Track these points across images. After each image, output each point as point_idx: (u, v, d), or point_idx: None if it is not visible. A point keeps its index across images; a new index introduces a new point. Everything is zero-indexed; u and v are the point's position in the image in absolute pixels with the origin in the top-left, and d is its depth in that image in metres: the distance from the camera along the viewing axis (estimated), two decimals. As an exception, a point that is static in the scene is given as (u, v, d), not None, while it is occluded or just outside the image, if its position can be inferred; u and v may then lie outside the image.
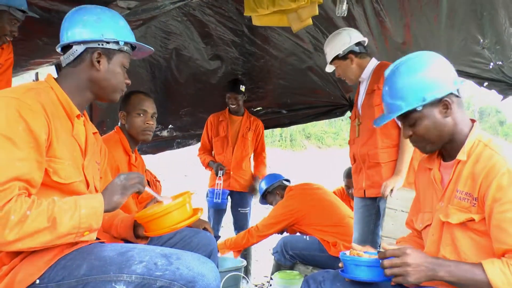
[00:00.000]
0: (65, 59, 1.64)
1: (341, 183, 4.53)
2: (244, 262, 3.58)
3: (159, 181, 3.92)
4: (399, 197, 2.67)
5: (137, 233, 1.86)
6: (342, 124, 26.26)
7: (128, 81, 1.74)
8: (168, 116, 4.00)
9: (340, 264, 1.67)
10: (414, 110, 1.56)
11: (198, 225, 2.86)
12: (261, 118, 4.35)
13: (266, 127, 4.56)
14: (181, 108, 4.36)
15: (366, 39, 2.95)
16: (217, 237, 4.28)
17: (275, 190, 3.74)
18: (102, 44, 1.62)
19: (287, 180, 3.84)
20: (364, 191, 2.89)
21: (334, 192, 4.50)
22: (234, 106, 4.12)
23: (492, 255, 1.44)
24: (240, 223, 4.30)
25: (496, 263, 1.38)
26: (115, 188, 1.55)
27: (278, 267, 3.52)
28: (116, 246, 1.54)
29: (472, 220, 1.47)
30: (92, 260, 1.47)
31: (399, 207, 2.62)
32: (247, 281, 4.11)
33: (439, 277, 1.42)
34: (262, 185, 3.81)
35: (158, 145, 4.62)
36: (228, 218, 4.56)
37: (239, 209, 4.28)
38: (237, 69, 4.10)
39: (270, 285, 3.06)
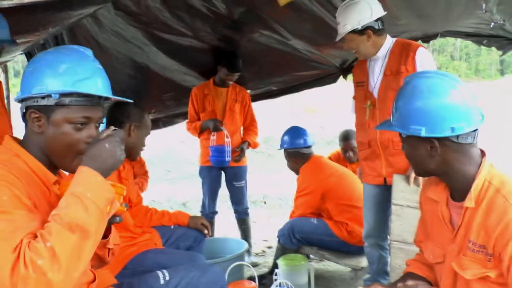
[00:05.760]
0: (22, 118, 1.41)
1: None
2: (246, 245, 3.54)
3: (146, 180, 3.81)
4: (404, 190, 2.56)
5: None
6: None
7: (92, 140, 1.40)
8: (149, 102, 3.81)
9: None
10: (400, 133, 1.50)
11: (195, 222, 2.78)
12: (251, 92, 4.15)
13: (256, 99, 4.35)
14: (164, 93, 4.11)
15: (386, 13, 2.66)
16: (214, 212, 4.25)
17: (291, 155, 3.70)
18: (37, 101, 1.35)
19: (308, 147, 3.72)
20: (385, 178, 2.73)
21: (330, 157, 4.42)
22: (231, 83, 3.97)
23: None
24: (236, 197, 4.23)
25: None
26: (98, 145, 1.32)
27: (283, 250, 3.44)
28: None
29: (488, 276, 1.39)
30: None
31: (404, 201, 2.51)
32: (249, 255, 4.12)
33: None
34: (286, 138, 3.72)
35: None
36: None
37: (234, 183, 4.17)
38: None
39: (276, 274, 3.01)
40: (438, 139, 1.42)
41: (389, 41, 2.69)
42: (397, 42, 2.69)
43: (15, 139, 1.42)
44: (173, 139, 10.63)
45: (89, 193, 1.23)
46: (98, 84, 1.39)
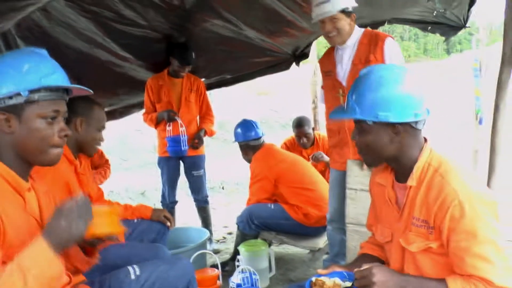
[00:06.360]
0: None
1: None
2: (207, 234, 3.60)
3: (108, 167, 3.77)
4: (357, 174, 2.67)
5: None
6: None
7: (67, 132, 1.48)
8: (103, 97, 3.73)
9: None
10: (364, 121, 1.56)
11: (158, 215, 2.80)
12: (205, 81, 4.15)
13: (210, 88, 4.37)
14: (118, 87, 4.05)
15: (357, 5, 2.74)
16: (174, 202, 4.27)
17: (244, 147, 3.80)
18: (4, 102, 1.36)
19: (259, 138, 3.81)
20: None
21: (285, 143, 4.53)
22: (183, 74, 3.98)
23: (453, 272, 1.50)
24: (195, 186, 4.27)
25: (458, 281, 1.45)
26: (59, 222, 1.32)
27: (243, 237, 3.52)
28: None
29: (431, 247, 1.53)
30: None
31: (358, 185, 2.63)
32: (210, 242, 4.19)
33: None
34: (239, 131, 3.81)
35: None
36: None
37: (193, 172, 4.22)
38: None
39: (238, 260, 3.10)
40: (402, 124, 1.53)
41: (357, 31, 2.77)
42: (365, 33, 2.76)
43: None
44: (128, 127, 10.46)
45: (34, 270, 1.23)
46: (62, 78, 1.46)
